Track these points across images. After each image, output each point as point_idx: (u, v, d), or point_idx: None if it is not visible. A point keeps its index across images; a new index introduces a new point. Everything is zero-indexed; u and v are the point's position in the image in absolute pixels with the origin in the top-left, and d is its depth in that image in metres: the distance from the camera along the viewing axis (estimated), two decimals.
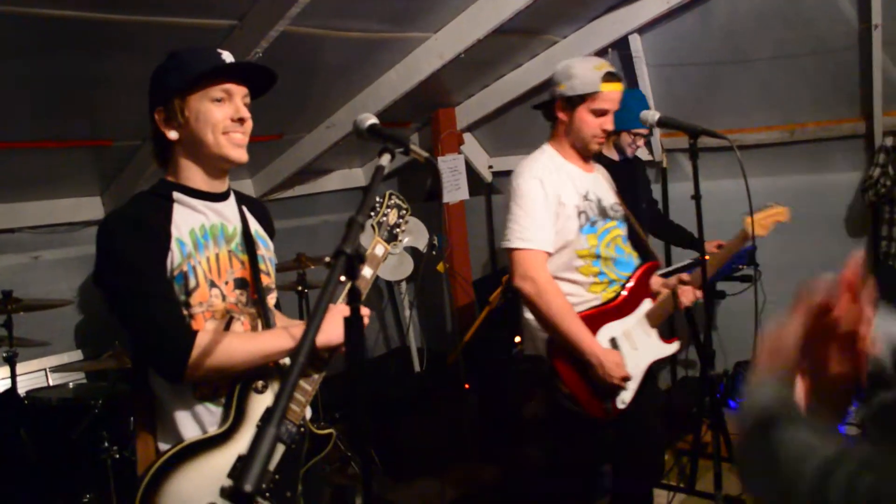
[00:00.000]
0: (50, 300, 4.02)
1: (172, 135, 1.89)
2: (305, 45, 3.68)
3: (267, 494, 1.89)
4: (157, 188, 1.95)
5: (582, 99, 2.77)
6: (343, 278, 1.28)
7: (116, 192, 4.46)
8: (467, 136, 5.79)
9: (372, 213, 2.24)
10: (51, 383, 4.19)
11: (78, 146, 3.97)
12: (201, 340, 1.79)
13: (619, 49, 4.74)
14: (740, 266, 4.09)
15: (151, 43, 3.17)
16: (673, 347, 2.99)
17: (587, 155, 2.92)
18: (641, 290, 2.94)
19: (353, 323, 1.36)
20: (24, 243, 4.38)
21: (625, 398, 2.80)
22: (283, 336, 1.91)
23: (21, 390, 3.75)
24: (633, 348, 2.86)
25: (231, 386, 1.92)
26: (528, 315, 2.85)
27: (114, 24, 2.95)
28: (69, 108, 3.60)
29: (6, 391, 3.64)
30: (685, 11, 4.34)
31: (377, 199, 2.28)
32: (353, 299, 1.36)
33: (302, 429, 2.02)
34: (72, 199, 4.49)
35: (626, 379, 2.73)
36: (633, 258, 2.99)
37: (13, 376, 3.62)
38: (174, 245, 1.84)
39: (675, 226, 4.35)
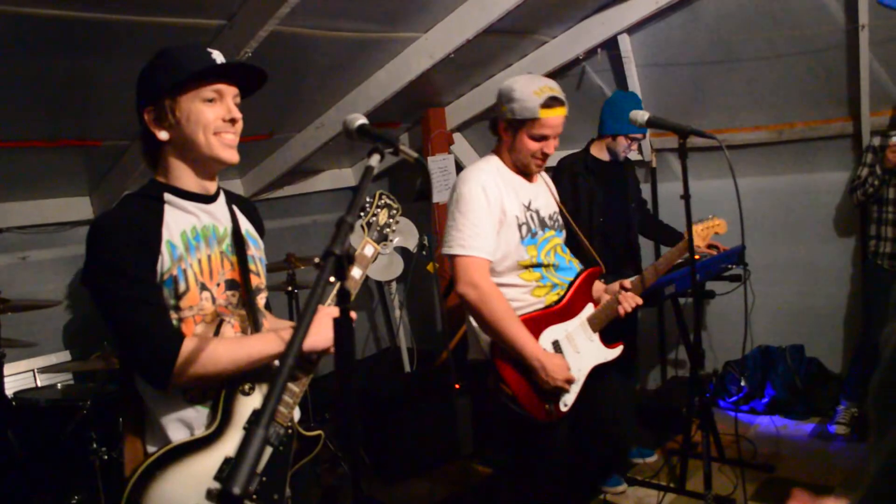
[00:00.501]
0: (38, 301, 4.00)
1: (162, 135, 1.87)
2: (295, 45, 3.68)
3: (254, 497, 1.88)
4: (147, 189, 1.93)
5: (522, 123, 2.79)
6: (332, 279, 1.28)
7: (105, 192, 4.45)
8: (457, 136, 5.80)
9: (361, 213, 2.23)
10: (39, 384, 4.16)
11: (66, 146, 3.95)
12: (186, 347, 1.77)
13: (609, 49, 4.75)
14: (729, 266, 4.11)
15: (140, 42, 3.16)
16: (615, 352, 3.03)
17: (527, 172, 2.95)
18: (583, 295, 2.99)
19: (342, 324, 1.36)
20: (11, 243, 4.36)
21: (567, 401, 2.84)
22: (269, 340, 1.90)
23: (9, 391, 3.73)
24: (576, 351, 2.91)
25: (219, 388, 1.91)
26: (473, 320, 2.88)
27: (103, 23, 2.94)
28: (57, 108, 3.58)
29: None
30: (674, 12, 4.36)
31: (367, 199, 2.26)
32: (343, 300, 1.35)
33: (290, 430, 2.01)
34: (60, 199, 4.47)
35: (570, 381, 2.76)
36: (574, 264, 3.04)
37: (0, 377, 3.60)
38: (164, 248, 1.83)
39: (664, 225, 4.38)
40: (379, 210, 2.26)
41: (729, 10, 4.24)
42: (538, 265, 2.88)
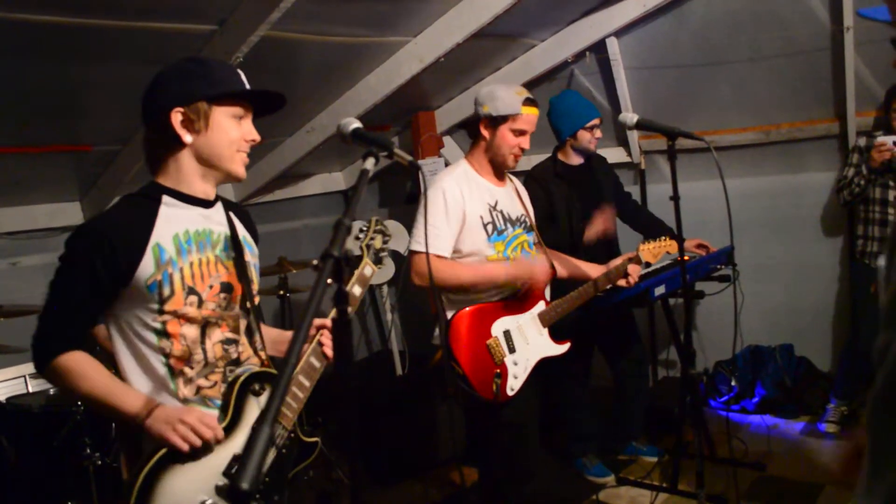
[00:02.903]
0: (29, 306, 3.98)
1: (188, 138, 1.92)
2: (286, 50, 3.69)
3: (257, 496, 1.91)
4: (146, 190, 1.97)
5: (504, 119, 3.06)
6: (330, 281, 1.30)
7: (96, 197, 4.44)
8: (447, 140, 5.81)
9: (360, 236, 2.36)
10: (30, 390, 4.14)
11: (57, 151, 3.94)
12: (67, 360, 1.85)
13: (597, 52, 4.78)
14: (719, 266, 4.14)
15: (132, 48, 3.17)
16: (563, 348, 3.26)
17: (504, 169, 3.21)
18: (536, 293, 3.21)
19: (341, 326, 1.37)
20: (2, 249, 4.35)
21: (514, 385, 3.06)
22: (120, 386, 1.90)
23: (1, 397, 3.72)
24: (526, 342, 3.15)
25: (229, 386, 1.96)
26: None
27: (94, 29, 2.94)
28: (49, 113, 3.58)
29: None
30: (661, 15, 4.40)
31: (363, 223, 2.40)
32: (341, 302, 1.37)
33: (293, 434, 2.06)
34: (50, 204, 4.46)
35: (543, 272, 3.09)
36: (538, 259, 3.25)
37: None
38: (149, 252, 1.86)
39: (655, 219, 4.38)
40: (375, 235, 2.41)
41: (716, 12, 4.28)
42: (506, 259, 3.12)
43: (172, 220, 1.93)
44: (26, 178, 4.09)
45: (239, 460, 1.86)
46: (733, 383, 4.91)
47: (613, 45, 4.69)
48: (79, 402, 3.38)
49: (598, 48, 4.74)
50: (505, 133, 3.07)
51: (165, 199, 1.94)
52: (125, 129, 3.89)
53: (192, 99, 1.90)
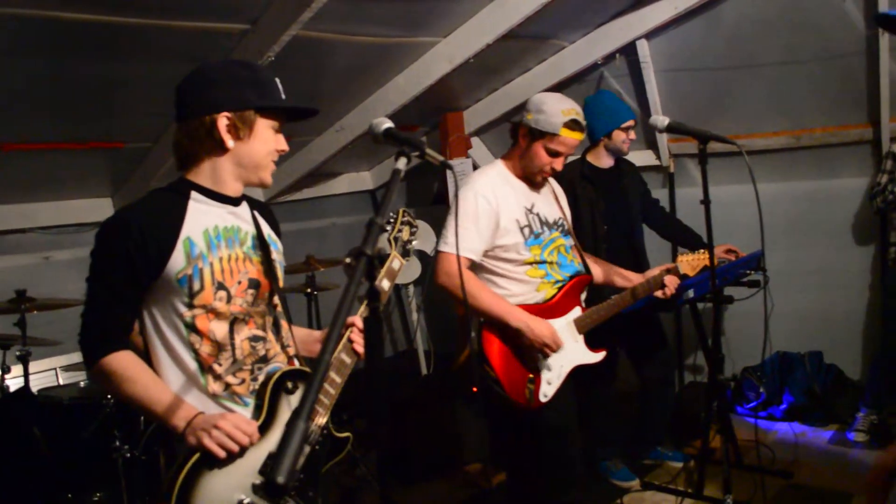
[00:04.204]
0: (60, 300, 4.04)
1: (231, 144, 1.94)
2: (316, 49, 3.71)
3: (292, 493, 1.94)
4: (175, 185, 1.99)
5: (542, 135, 2.97)
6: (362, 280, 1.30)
7: (127, 193, 4.50)
8: (475, 140, 5.82)
9: (387, 228, 2.34)
10: (61, 382, 4.21)
11: (90, 148, 4.00)
12: (114, 361, 1.85)
13: (627, 54, 4.76)
14: (748, 271, 4.11)
15: (165, 46, 3.21)
16: (598, 356, 3.17)
17: (532, 181, 3.12)
18: (572, 298, 3.14)
19: (372, 323, 1.38)
20: (35, 244, 4.41)
21: (547, 392, 2.99)
22: (162, 393, 1.88)
23: (33, 389, 3.77)
24: (560, 349, 3.03)
25: (263, 385, 1.98)
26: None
27: (128, 27, 2.98)
28: (82, 110, 3.63)
29: (19, 389, 3.67)
30: (693, 17, 4.37)
31: (391, 214, 2.36)
32: (373, 300, 1.38)
33: (324, 431, 2.07)
34: (83, 200, 4.53)
35: (556, 343, 2.92)
36: (576, 263, 3.20)
37: (26, 374, 3.65)
38: (180, 246, 1.88)
39: (683, 226, 4.35)
40: (403, 226, 2.38)
41: (748, 15, 4.24)
42: (542, 262, 3.05)
43: (202, 216, 1.95)
44: (60, 173, 4.15)
45: (274, 457, 1.89)
46: (761, 390, 4.86)
47: (644, 48, 4.67)
48: (108, 396, 3.43)
49: (629, 50, 4.72)
50: (539, 149, 2.98)
51: (194, 194, 1.97)
52: (157, 126, 3.94)
53: (243, 106, 1.93)
